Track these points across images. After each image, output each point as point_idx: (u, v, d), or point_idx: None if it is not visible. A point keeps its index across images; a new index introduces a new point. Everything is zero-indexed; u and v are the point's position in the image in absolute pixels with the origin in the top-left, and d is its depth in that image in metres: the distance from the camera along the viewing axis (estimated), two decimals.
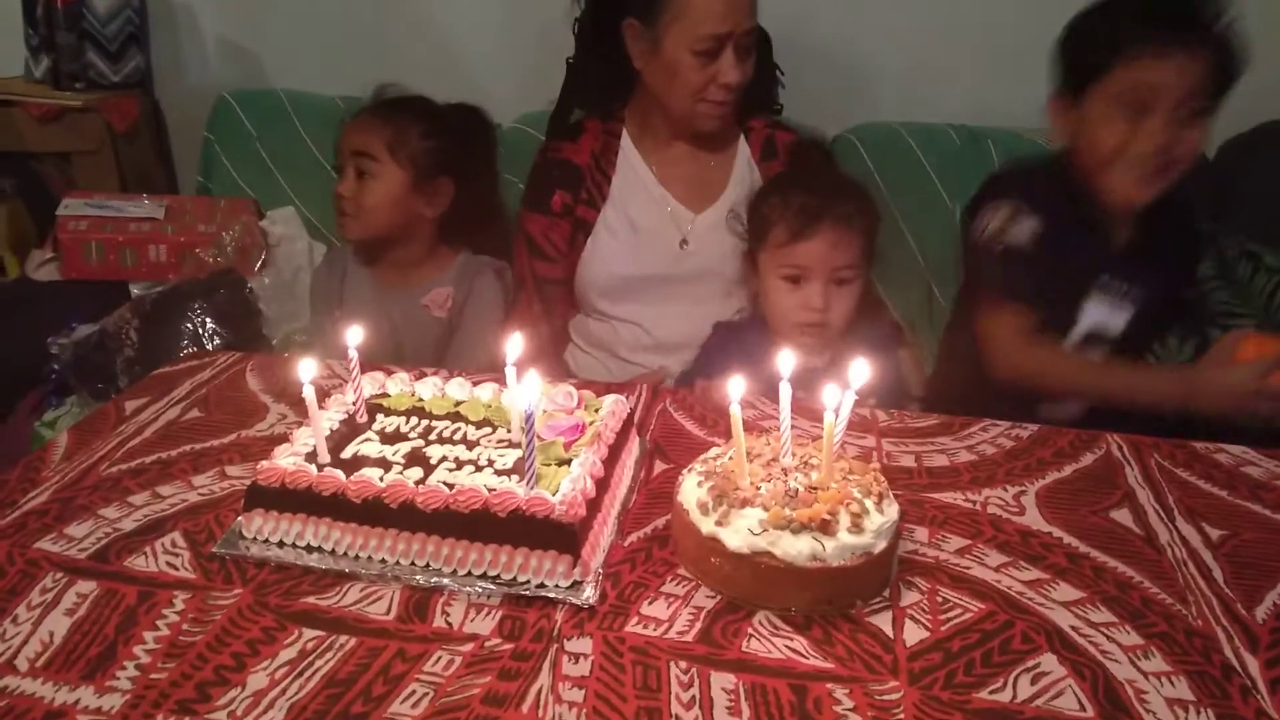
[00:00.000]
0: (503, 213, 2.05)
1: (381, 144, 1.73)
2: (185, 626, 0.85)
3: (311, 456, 0.97)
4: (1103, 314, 1.52)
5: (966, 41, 2.19)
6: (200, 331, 1.87)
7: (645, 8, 1.63)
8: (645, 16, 1.63)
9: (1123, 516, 1.06)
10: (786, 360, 0.98)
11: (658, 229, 1.75)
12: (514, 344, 1.04)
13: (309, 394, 0.96)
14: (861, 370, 0.97)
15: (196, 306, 1.87)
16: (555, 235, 1.78)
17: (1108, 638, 0.86)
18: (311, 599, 0.89)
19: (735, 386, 0.95)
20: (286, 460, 0.96)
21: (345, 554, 0.93)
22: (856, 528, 0.89)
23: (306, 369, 0.97)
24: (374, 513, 0.91)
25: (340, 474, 0.93)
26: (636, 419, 1.24)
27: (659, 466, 1.15)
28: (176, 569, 0.93)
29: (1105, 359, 1.52)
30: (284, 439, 1.04)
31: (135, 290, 2.08)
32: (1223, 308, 1.71)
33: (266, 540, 0.95)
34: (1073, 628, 0.88)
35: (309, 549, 0.94)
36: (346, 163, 1.75)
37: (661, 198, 1.76)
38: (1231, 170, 2.01)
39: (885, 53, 2.24)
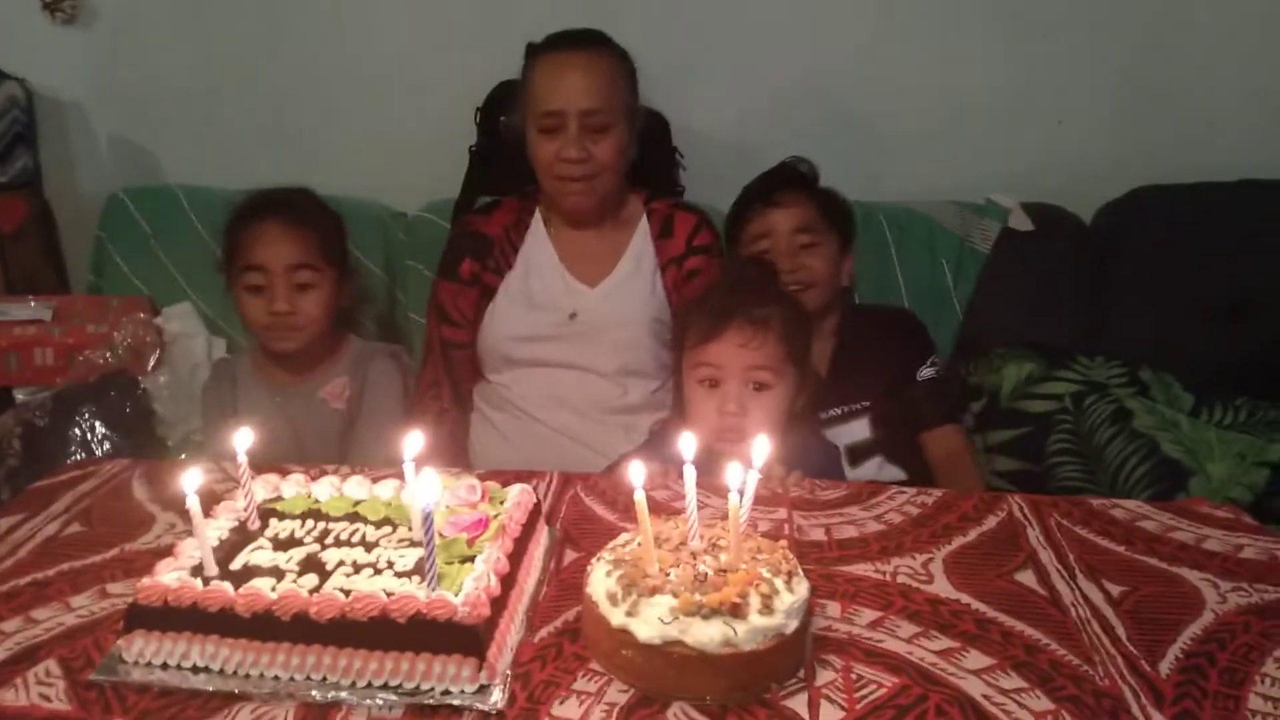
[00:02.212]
0: (384, 295, 2.15)
1: (316, 252, 1.72)
2: None
3: (198, 570, 0.92)
4: (842, 434, 1.72)
5: (857, 121, 2.29)
6: (90, 437, 1.78)
7: (521, 98, 1.77)
8: (520, 107, 1.77)
9: (1027, 578, 1.07)
10: (689, 442, 0.98)
11: (551, 300, 1.81)
12: (413, 439, 1.01)
13: (192, 503, 0.91)
14: (764, 447, 0.97)
15: (85, 411, 1.79)
16: (462, 302, 1.85)
17: (1019, 704, 0.87)
18: None
19: (636, 472, 0.94)
20: (170, 575, 0.90)
21: (235, 673, 0.88)
22: (767, 609, 0.88)
23: (190, 478, 0.93)
24: (265, 626, 0.87)
25: (228, 586, 0.88)
26: (546, 507, 1.22)
27: (570, 555, 1.12)
28: (50, 700, 0.87)
29: None
30: (171, 551, 0.98)
31: (20, 396, 1.98)
32: (1071, 483, 1.83)
33: (149, 663, 0.89)
34: (985, 696, 0.88)
35: (195, 670, 0.88)
36: (277, 281, 1.69)
37: (558, 271, 1.83)
38: (1109, 232, 2.13)
39: (778, 133, 2.32)
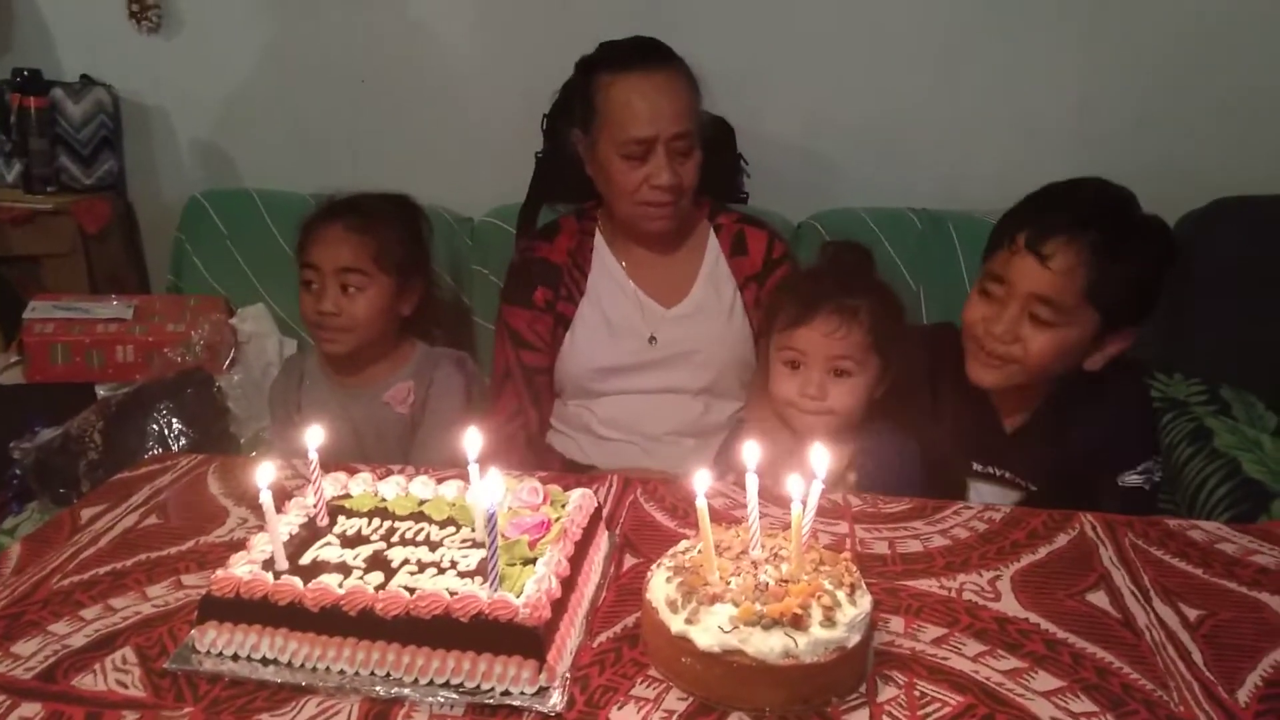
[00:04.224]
0: (450, 299, 2.13)
1: (368, 257, 1.71)
2: None
3: (269, 564, 0.95)
4: (985, 493, 1.50)
5: (925, 127, 2.26)
6: (166, 432, 1.84)
7: (583, 117, 1.72)
8: (584, 125, 1.72)
9: (1099, 599, 1.04)
10: (752, 451, 0.97)
11: (629, 324, 1.78)
12: (474, 440, 1.02)
13: (265, 499, 0.93)
14: (822, 457, 0.96)
15: (162, 407, 1.85)
16: (539, 327, 1.82)
17: None
18: (265, 716, 0.85)
19: (700, 480, 0.93)
20: (242, 569, 0.93)
21: (302, 666, 0.90)
22: (829, 621, 0.87)
23: (264, 473, 0.95)
24: (332, 621, 0.88)
25: (298, 581, 0.90)
26: (606, 512, 1.22)
27: (629, 561, 1.12)
28: (126, 687, 0.89)
29: None
30: (243, 545, 1.01)
31: (101, 392, 2.06)
32: None
33: (220, 654, 0.91)
34: (1053, 719, 0.85)
35: (264, 662, 0.90)
36: (327, 280, 1.71)
37: (633, 293, 1.80)
38: (1189, 243, 2.06)
39: (846, 140, 2.30)
